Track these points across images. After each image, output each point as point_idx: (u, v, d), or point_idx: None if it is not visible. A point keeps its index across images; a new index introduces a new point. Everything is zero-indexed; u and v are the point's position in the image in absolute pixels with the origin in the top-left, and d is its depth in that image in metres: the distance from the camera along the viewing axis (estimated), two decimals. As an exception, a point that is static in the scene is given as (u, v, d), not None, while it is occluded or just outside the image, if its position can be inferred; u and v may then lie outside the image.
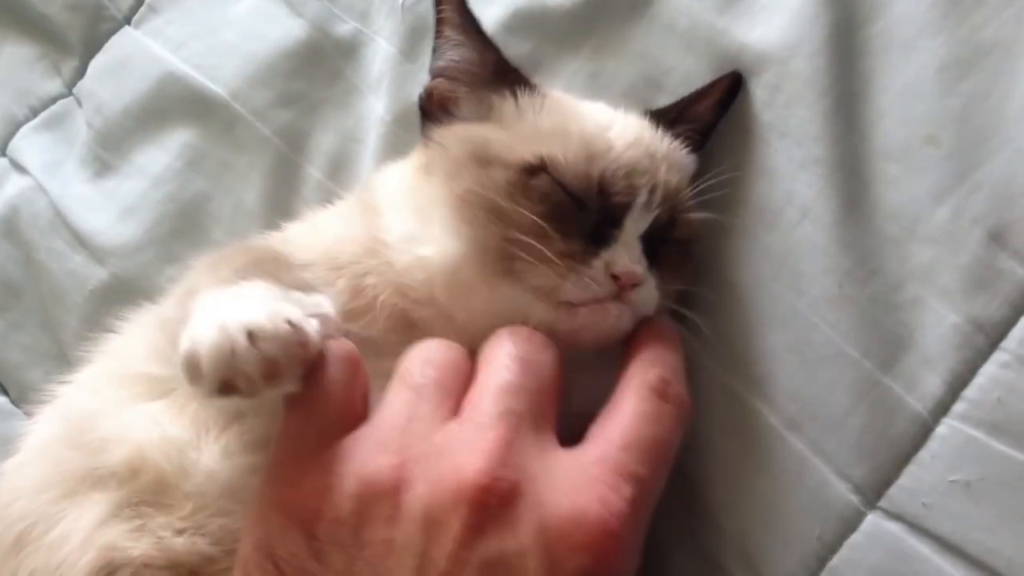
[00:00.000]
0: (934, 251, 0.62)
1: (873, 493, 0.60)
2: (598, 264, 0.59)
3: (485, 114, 0.67)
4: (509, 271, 0.59)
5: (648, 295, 0.61)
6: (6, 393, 0.87)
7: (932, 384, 0.60)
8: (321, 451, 0.49)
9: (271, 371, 0.49)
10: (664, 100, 0.72)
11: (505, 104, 0.66)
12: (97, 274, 0.84)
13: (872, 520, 0.60)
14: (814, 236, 0.64)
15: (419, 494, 0.46)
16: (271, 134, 0.83)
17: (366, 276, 0.62)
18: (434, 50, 0.69)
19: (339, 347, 0.53)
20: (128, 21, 0.92)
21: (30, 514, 0.57)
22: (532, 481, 0.46)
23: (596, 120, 0.66)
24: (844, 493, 0.61)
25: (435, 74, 0.68)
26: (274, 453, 0.51)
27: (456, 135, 0.66)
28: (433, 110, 0.68)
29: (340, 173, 0.81)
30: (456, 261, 0.60)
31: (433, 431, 0.49)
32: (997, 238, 0.60)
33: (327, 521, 0.47)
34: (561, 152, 0.62)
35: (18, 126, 0.94)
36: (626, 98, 0.73)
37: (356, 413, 0.51)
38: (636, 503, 0.48)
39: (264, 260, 0.60)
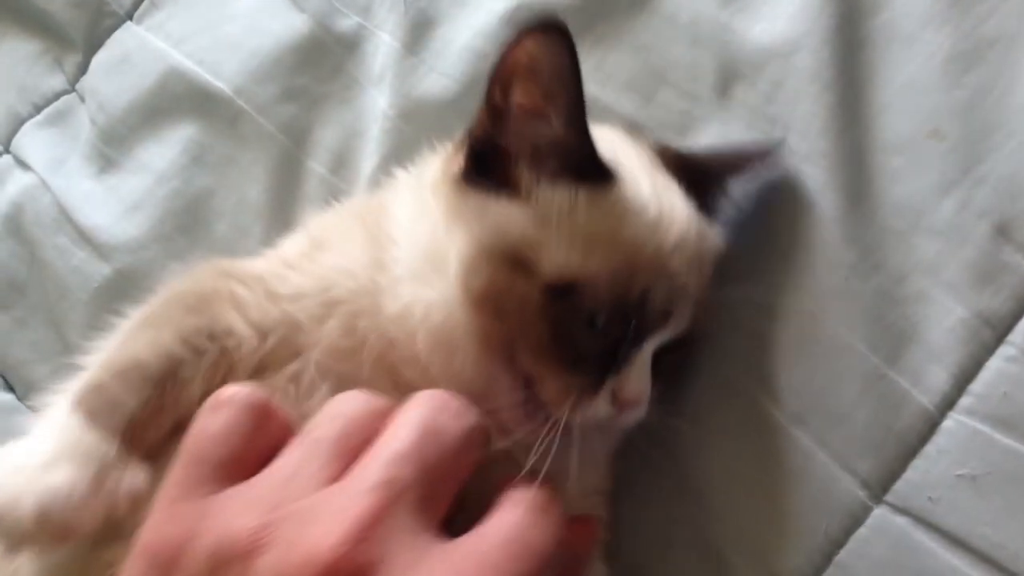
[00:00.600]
0: (939, 244, 0.62)
1: (880, 487, 0.60)
2: (604, 395, 0.56)
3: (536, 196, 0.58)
4: (504, 357, 0.56)
5: (643, 409, 0.58)
6: (11, 390, 0.87)
7: (938, 378, 0.60)
8: (195, 497, 0.46)
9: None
10: (666, 94, 0.72)
11: (556, 194, 0.57)
12: (101, 271, 0.84)
13: (879, 514, 0.60)
14: (817, 230, 0.64)
15: (270, 561, 0.42)
16: (274, 129, 0.82)
17: (358, 318, 0.59)
18: (509, 94, 0.58)
19: (246, 395, 0.50)
20: (130, 16, 0.92)
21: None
22: (389, 565, 0.42)
23: (644, 213, 0.58)
24: (851, 487, 0.61)
25: (514, 135, 0.58)
26: (159, 495, 0.48)
27: (490, 214, 0.58)
28: (481, 152, 0.60)
29: (343, 168, 0.81)
30: (451, 325, 0.57)
31: (310, 492, 0.45)
32: (1002, 231, 0.60)
33: (181, 572, 0.43)
34: (595, 266, 0.56)
35: (21, 122, 0.93)
36: (628, 91, 0.73)
37: (249, 464, 0.48)
38: None
39: (200, 321, 0.58)
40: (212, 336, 0.58)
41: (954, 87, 0.63)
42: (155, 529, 0.46)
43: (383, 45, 0.82)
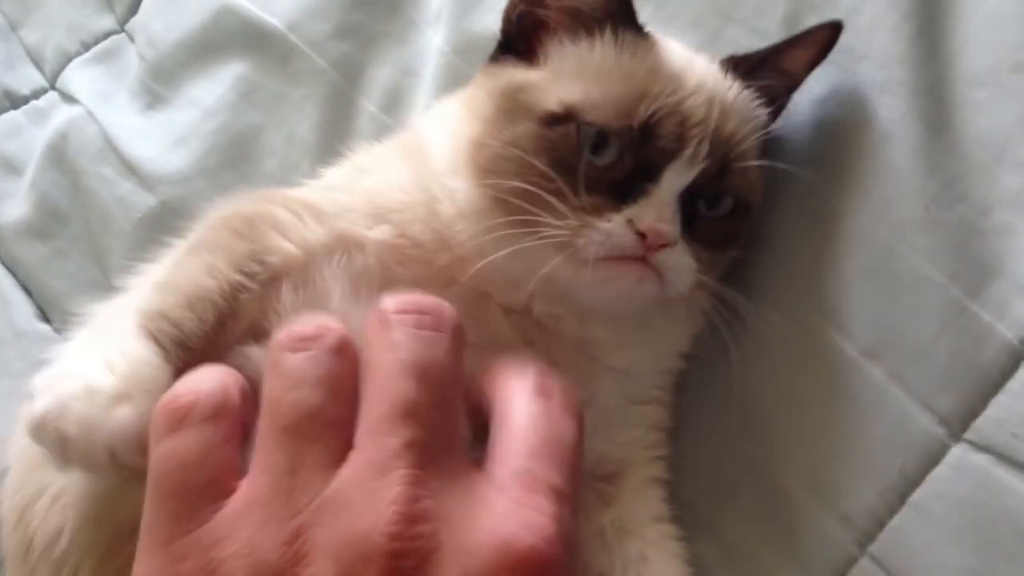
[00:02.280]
0: (1023, 178, 0.59)
1: (959, 424, 0.57)
2: (618, 219, 0.55)
3: (554, 56, 0.62)
4: (526, 224, 0.56)
5: (680, 262, 0.57)
6: (48, 321, 0.85)
7: (1023, 312, 0.57)
8: (191, 530, 0.40)
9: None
10: (734, 32, 0.70)
11: (584, 46, 0.62)
12: (146, 201, 0.82)
13: (958, 452, 0.57)
14: (896, 160, 0.61)
15: (322, 568, 0.38)
16: (327, 66, 0.81)
17: (410, 224, 0.59)
18: None
19: (206, 400, 0.42)
20: (186, -43, 0.91)
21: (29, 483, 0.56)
22: (448, 522, 0.39)
23: (668, 64, 0.61)
24: (928, 425, 0.58)
25: (550, 3, 0.63)
26: (141, 537, 0.41)
27: (499, 78, 0.63)
28: (514, 36, 0.64)
29: (395, 107, 0.80)
30: (476, 211, 0.58)
31: (324, 482, 0.40)
32: (1091, 165, 0.58)
33: None
34: (602, 91, 0.58)
35: (68, 60, 0.93)
36: (694, 30, 0.71)
37: (229, 476, 0.41)
38: (559, 517, 0.40)
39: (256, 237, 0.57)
40: (261, 260, 0.56)
41: (1037, 22, 0.61)
42: (159, 573, 0.40)
43: (441, -16, 0.80)
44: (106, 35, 0.93)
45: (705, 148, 0.58)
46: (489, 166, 0.58)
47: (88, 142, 0.86)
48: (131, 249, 0.79)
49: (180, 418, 0.41)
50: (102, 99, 0.88)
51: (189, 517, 0.40)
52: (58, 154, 0.87)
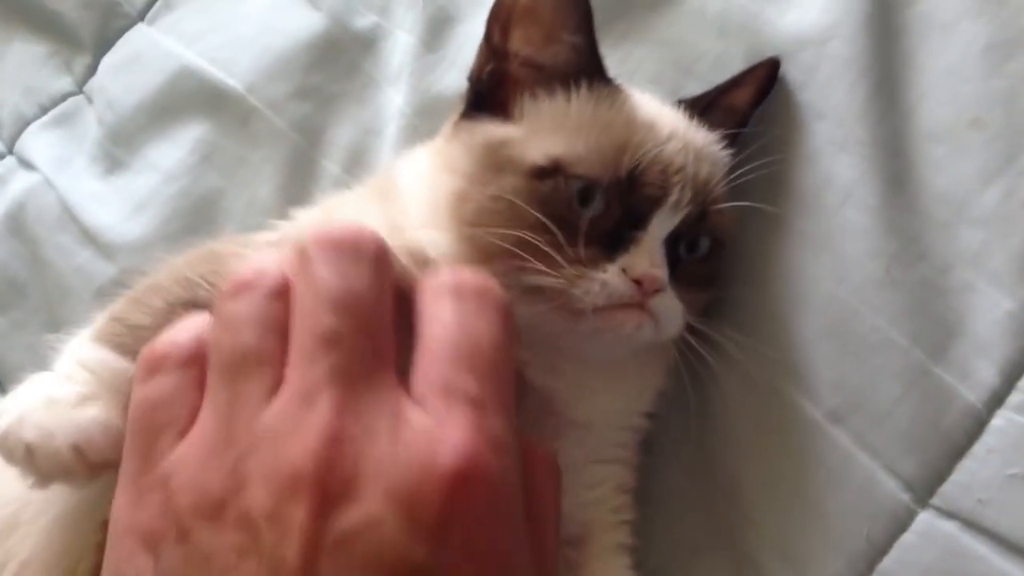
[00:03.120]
0: (984, 234, 0.59)
1: (925, 490, 0.57)
2: (613, 269, 0.56)
3: (529, 111, 0.62)
4: (515, 273, 0.55)
5: (671, 306, 0.58)
6: (6, 393, 0.84)
7: (986, 373, 0.57)
8: (156, 466, 0.43)
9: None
10: (694, 86, 0.70)
11: (559, 100, 0.62)
12: (105, 270, 0.81)
13: (924, 518, 0.56)
14: (857, 219, 0.61)
15: (256, 494, 0.40)
16: (287, 127, 0.80)
17: None
18: (517, 27, 0.62)
19: (180, 349, 0.46)
20: (142, 18, 0.91)
21: (18, 497, 0.56)
22: (372, 443, 0.40)
23: (642, 112, 0.62)
24: (894, 490, 0.57)
25: (510, 55, 0.63)
26: (120, 475, 0.46)
27: (475, 134, 0.63)
28: (484, 92, 0.64)
29: (357, 167, 0.79)
30: (459, 259, 0.57)
31: (259, 415, 0.42)
32: (1050, 221, 0.58)
33: (170, 540, 0.41)
34: (585, 144, 0.58)
35: (26, 124, 0.92)
36: (654, 85, 0.71)
37: (188, 417, 0.44)
38: (480, 427, 0.41)
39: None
40: (222, 272, 0.56)
41: (994, 76, 0.61)
42: (128, 509, 0.44)
43: (401, 43, 0.80)
44: (64, 97, 0.92)
45: (688, 194, 0.59)
46: (475, 219, 0.58)
47: (46, 211, 0.85)
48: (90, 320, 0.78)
49: (155, 366, 0.45)
50: (60, 164, 0.87)
51: (152, 452, 0.43)
52: (16, 224, 0.86)
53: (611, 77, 0.63)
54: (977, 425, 0.56)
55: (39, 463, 0.49)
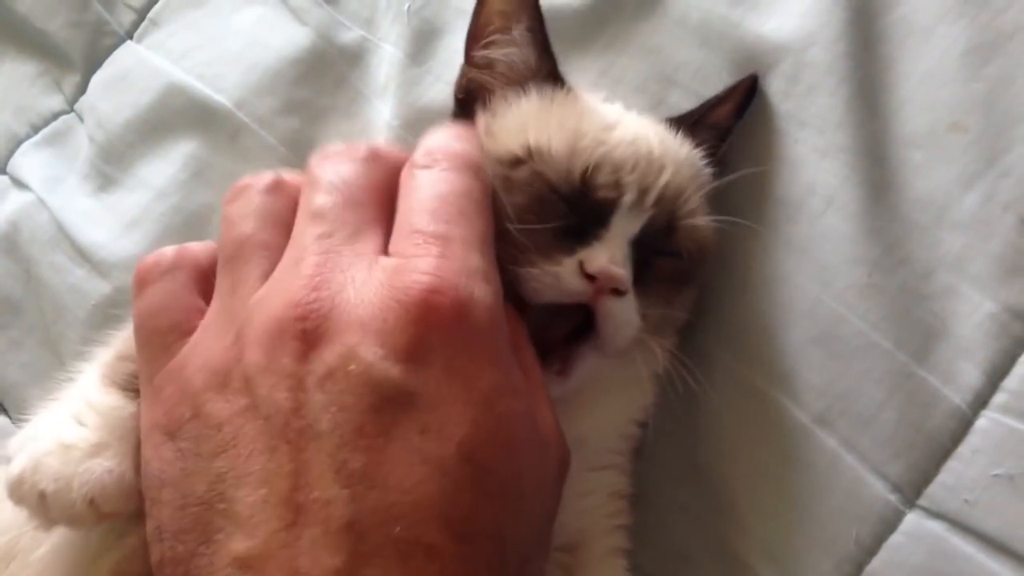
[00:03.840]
0: (965, 238, 0.60)
1: (912, 491, 0.58)
2: (570, 262, 0.55)
3: (498, 114, 0.63)
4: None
5: (626, 313, 0.56)
6: (5, 412, 0.84)
7: (970, 375, 0.58)
8: (167, 363, 0.47)
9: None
10: (677, 96, 0.70)
11: (522, 100, 0.63)
12: (100, 288, 0.82)
13: (912, 519, 0.57)
14: (839, 225, 0.62)
15: (252, 354, 0.43)
16: (276, 142, 0.81)
17: None
18: (484, 39, 0.64)
19: (164, 259, 0.51)
20: (130, 36, 0.90)
21: (16, 523, 0.56)
22: (349, 286, 0.44)
23: (600, 117, 0.62)
24: (881, 492, 0.58)
25: (480, 63, 0.65)
26: (140, 383, 0.50)
27: None
28: (464, 99, 0.66)
29: (346, 181, 0.79)
30: None
31: (256, 291, 0.46)
32: (1030, 223, 0.58)
33: (187, 422, 0.44)
34: (547, 142, 0.59)
35: (18, 143, 0.92)
36: (638, 94, 0.71)
37: (192, 315, 0.49)
38: (451, 256, 0.45)
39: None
40: None
41: (973, 80, 0.62)
42: (149, 410, 0.47)
43: (387, 56, 0.80)
44: (55, 116, 0.92)
45: (651, 197, 0.58)
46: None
47: (39, 230, 0.85)
48: (86, 337, 0.78)
49: (144, 279, 0.51)
50: (53, 183, 0.87)
51: (162, 354, 0.48)
52: (10, 243, 0.87)
53: (565, 80, 0.65)
54: (962, 426, 0.57)
55: (51, 511, 0.50)
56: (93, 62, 0.91)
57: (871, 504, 0.58)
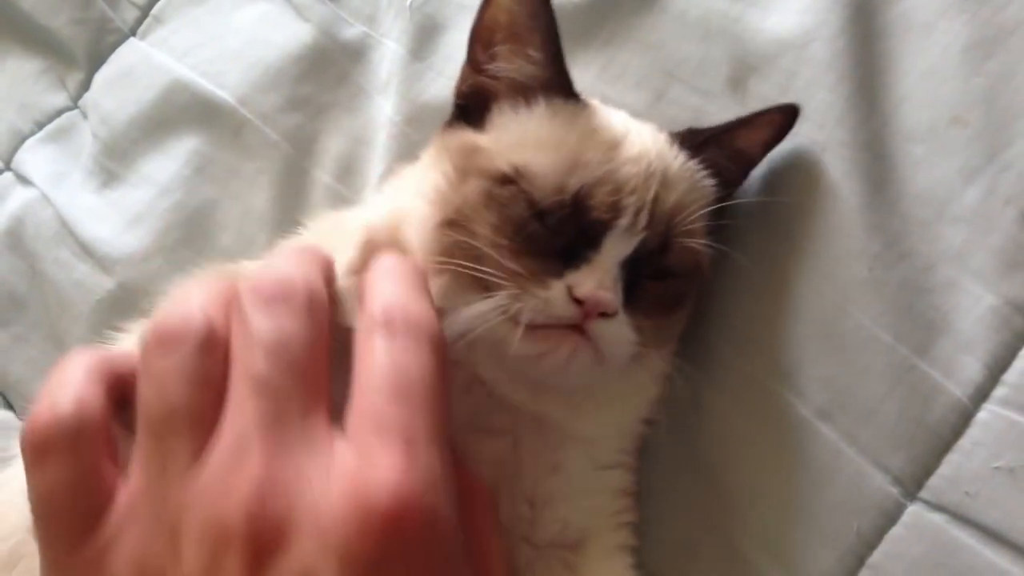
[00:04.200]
0: (966, 232, 0.60)
1: (913, 483, 0.58)
2: (558, 286, 0.55)
3: (499, 123, 0.63)
4: (477, 286, 0.55)
5: (618, 333, 0.56)
6: (11, 407, 0.85)
7: (971, 368, 0.58)
8: (86, 544, 0.41)
9: None
10: (677, 91, 0.70)
11: (526, 112, 0.62)
12: (104, 283, 0.82)
13: (913, 512, 0.58)
14: (840, 220, 0.62)
15: (191, 556, 0.38)
16: (279, 138, 0.81)
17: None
18: (492, 45, 0.63)
19: (60, 420, 0.41)
20: (133, 33, 0.91)
21: (21, 527, 0.55)
22: (306, 493, 0.39)
23: (606, 134, 0.61)
24: (882, 484, 0.58)
25: (484, 71, 0.64)
26: (40, 558, 0.42)
27: (454, 140, 0.64)
28: (464, 104, 0.65)
29: (349, 176, 0.80)
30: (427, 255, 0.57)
31: (192, 475, 0.40)
32: (1030, 217, 0.59)
33: None
34: (539, 161, 0.58)
35: (23, 140, 0.92)
36: (638, 90, 0.72)
37: (112, 488, 0.42)
38: (413, 463, 0.39)
39: None
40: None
41: (974, 75, 0.62)
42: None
43: (389, 52, 0.81)
44: (59, 112, 0.93)
45: (645, 218, 0.58)
46: (443, 218, 0.58)
47: (44, 226, 0.86)
48: (90, 332, 0.79)
49: (42, 447, 0.41)
50: (57, 179, 0.88)
51: (75, 541, 0.40)
52: (15, 239, 0.87)
53: (578, 93, 0.63)
54: (963, 419, 0.58)
55: None
56: (97, 59, 0.92)
57: (872, 497, 0.58)
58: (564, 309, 0.54)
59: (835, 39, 0.65)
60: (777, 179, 0.65)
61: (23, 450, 0.41)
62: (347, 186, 0.80)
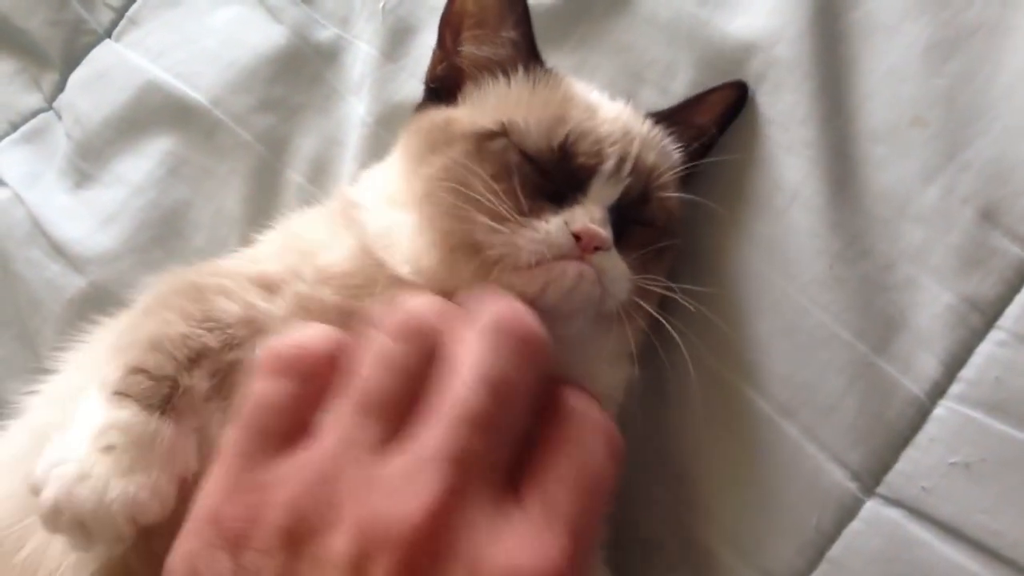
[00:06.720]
0: (925, 231, 0.61)
1: (871, 479, 0.59)
2: (556, 221, 0.56)
3: (474, 96, 0.65)
4: (473, 248, 0.57)
5: (615, 265, 0.58)
6: (-17, 405, 0.85)
7: (928, 365, 0.59)
8: (258, 468, 0.45)
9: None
10: (647, 93, 0.71)
11: (502, 82, 0.65)
12: (75, 283, 0.82)
13: (871, 507, 0.58)
14: (804, 219, 0.63)
15: (347, 537, 0.41)
16: (252, 139, 0.82)
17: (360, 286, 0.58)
18: (464, 30, 0.66)
19: (309, 357, 0.47)
20: (109, 34, 0.91)
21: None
22: (470, 538, 0.41)
23: (584, 99, 0.65)
24: (841, 480, 0.59)
25: (458, 53, 0.66)
26: (218, 461, 0.46)
27: (426, 120, 0.65)
28: (435, 88, 0.67)
29: (321, 177, 0.80)
30: (425, 247, 0.58)
31: (374, 461, 0.43)
32: (989, 216, 0.60)
33: (253, 551, 0.42)
34: (524, 117, 0.61)
35: (-2, 140, 0.93)
36: (609, 89, 0.72)
37: (301, 427, 0.46)
38: (573, 555, 0.42)
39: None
40: (215, 320, 0.57)
41: (935, 75, 0.63)
42: (219, 501, 0.45)
43: (362, 54, 0.81)
44: (34, 113, 0.93)
45: (628, 166, 0.60)
46: (429, 189, 0.60)
47: (16, 226, 0.86)
48: (61, 332, 0.78)
49: (281, 368, 0.47)
50: (30, 180, 0.88)
51: (258, 454, 0.45)
52: (-14, 239, 0.87)
53: (544, 61, 0.66)
54: (920, 416, 0.58)
55: (94, 536, 0.49)
56: (72, 60, 0.92)
57: (831, 491, 0.59)
58: (565, 240, 0.56)
59: (799, 40, 0.66)
60: (742, 179, 0.66)
61: (263, 360, 0.47)
62: (319, 186, 0.80)
